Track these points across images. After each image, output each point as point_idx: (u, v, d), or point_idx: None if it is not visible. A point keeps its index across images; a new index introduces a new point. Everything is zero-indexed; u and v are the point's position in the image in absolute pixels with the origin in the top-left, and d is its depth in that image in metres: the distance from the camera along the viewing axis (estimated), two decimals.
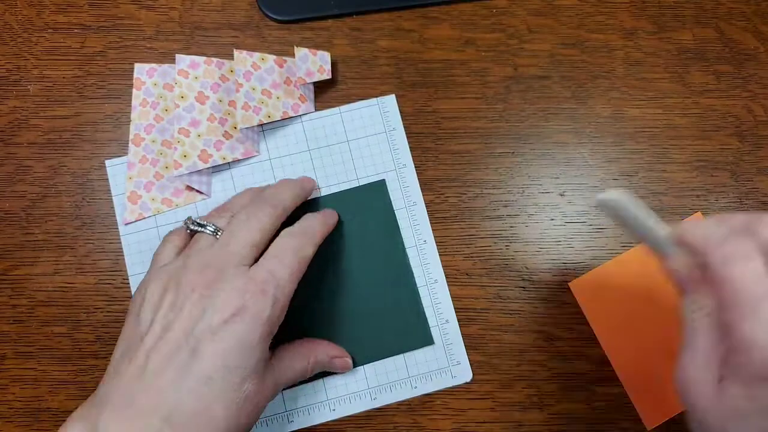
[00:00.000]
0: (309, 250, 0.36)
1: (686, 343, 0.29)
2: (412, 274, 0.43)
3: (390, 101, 0.46)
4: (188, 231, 0.37)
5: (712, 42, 0.48)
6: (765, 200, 0.45)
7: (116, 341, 0.41)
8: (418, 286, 0.43)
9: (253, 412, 0.33)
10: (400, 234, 0.44)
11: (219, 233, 0.36)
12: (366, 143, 0.45)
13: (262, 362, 0.33)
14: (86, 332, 0.42)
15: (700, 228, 0.29)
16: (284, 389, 0.41)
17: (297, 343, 0.39)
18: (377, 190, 0.44)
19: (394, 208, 0.44)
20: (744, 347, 0.26)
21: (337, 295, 0.42)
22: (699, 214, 0.45)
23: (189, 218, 0.38)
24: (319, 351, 0.39)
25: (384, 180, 0.44)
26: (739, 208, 0.45)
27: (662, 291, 0.43)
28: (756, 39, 0.48)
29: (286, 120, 0.45)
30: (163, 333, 0.32)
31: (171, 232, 0.39)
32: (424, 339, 0.42)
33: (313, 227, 0.38)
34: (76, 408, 0.32)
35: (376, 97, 0.46)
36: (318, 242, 0.38)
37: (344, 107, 0.45)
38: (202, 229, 0.36)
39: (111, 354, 0.41)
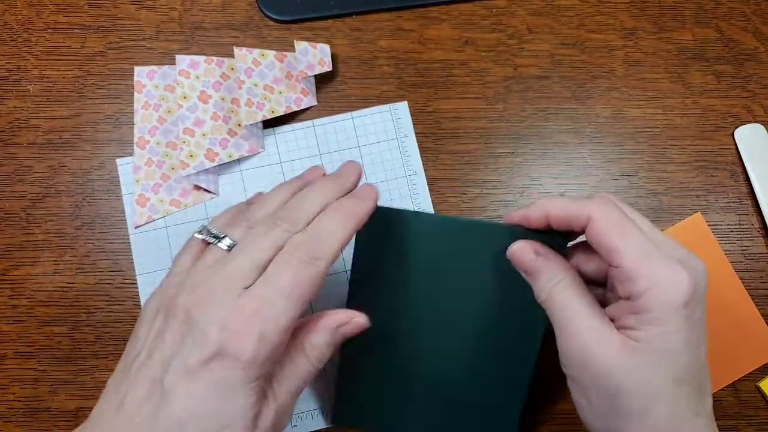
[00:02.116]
0: (320, 266, 0.29)
1: (566, 320, 0.29)
2: (531, 374, 0.36)
3: (402, 108, 0.46)
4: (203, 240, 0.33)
5: (712, 42, 0.48)
6: None
7: (116, 341, 0.42)
8: None
9: None
10: (542, 320, 0.34)
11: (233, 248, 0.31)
12: (377, 149, 0.45)
13: (249, 406, 0.28)
14: (86, 332, 0.42)
15: (555, 202, 0.31)
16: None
17: (289, 343, 0.31)
18: (553, 243, 0.33)
19: None
20: (638, 285, 0.28)
21: (434, 343, 0.37)
22: (699, 214, 0.45)
23: (204, 227, 0.33)
24: (315, 333, 0.31)
25: (566, 240, 0.34)
26: (739, 208, 0.45)
27: None
28: (756, 39, 0.48)
29: (297, 123, 0.45)
30: (146, 361, 0.29)
31: (194, 236, 0.34)
32: None
33: (332, 231, 0.30)
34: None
35: (376, 96, 0.46)
36: (335, 252, 0.30)
37: (356, 112, 0.45)
38: (215, 242, 0.31)
39: (111, 354, 0.41)
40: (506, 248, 0.33)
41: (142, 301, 0.42)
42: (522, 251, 0.32)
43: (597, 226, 0.29)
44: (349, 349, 0.37)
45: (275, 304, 0.28)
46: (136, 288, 0.42)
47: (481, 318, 0.36)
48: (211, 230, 0.32)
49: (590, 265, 0.33)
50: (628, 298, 0.28)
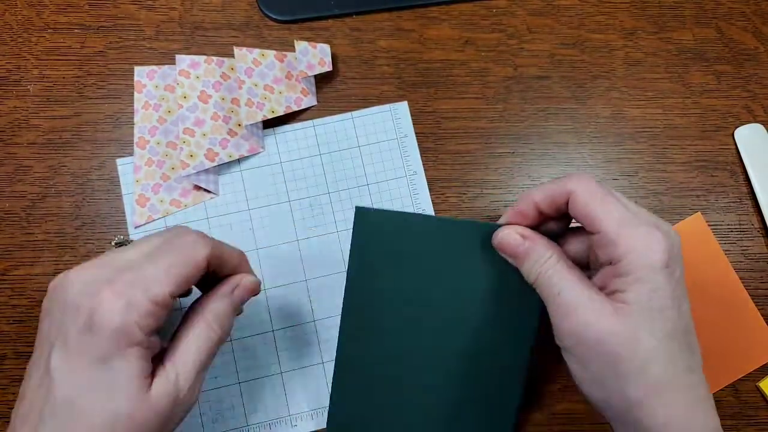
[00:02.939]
0: (199, 254, 0.30)
1: (557, 295, 0.30)
2: (524, 383, 0.37)
3: (402, 108, 0.46)
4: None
5: (712, 42, 0.48)
6: None
7: None
8: None
9: None
10: (537, 313, 0.35)
11: None
12: (377, 149, 0.45)
13: (133, 374, 0.28)
14: None
15: (537, 189, 0.33)
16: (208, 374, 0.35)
17: (186, 315, 0.32)
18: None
19: None
20: (620, 248, 0.29)
21: (432, 342, 0.37)
22: (699, 214, 0.45)
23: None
24: (212, 300, 0.32)
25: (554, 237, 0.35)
26: (739, 208, 0.45)
27: None
28: (756, 39, 0.48)
29: (297, 123, 0.45)
30: (38, 353, 0.29)
31: None
32: None
33: (195, 246, 0.31)
34: None
35: (376, 96, 0.46)
36: (204, 258, 0.30)
37: (356, 113, 0.45)
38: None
39: None
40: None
41: None
42: (508, 237, 0.33)
43: (578, 197, 0.31)
44: (342, 356, 0.37)
45: (148, 275, 0.29)
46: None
47: (475, 315, 0.37)
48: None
49: (573, 246, 0.34)
50: (610, 263, 0.30)
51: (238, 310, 0.33)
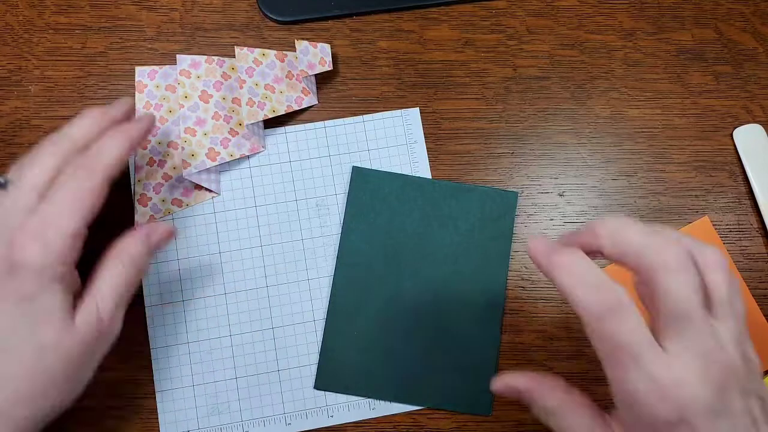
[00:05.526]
0: (97, 178, 0.33)
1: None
2: (500, 325, 0.42)
3: (414, 114, 0.46)
4: None
5: (711, 42, 0.48)
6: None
7: (117, 340, 0.42)
8: None
9: (62, 368, 0.31)
10: (507, 265, 0.43)
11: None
12: (386, 154, 0.45)
13: (57, 303, 0.31)
14: None
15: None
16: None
17: (106, 254, 0.35)
18: (504, 203, 0.44)
19: None
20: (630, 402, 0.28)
21: (415, 300, 0.42)
22: (706, 218, 0.45)
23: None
24: (128, 246, 0.35)
25: (516, 194, 0.44)
26: (737, 208, 0.45)
27: None
28: (755, 39, 0.48)
29: (309, 124, 0.45)
30: None
31: None
32: (482, 407, 0.41)
33: (108, 148, 0.34)
34: None
35: (376, 97, 0.46)
36: (112, 165, 0.34)
37: (367, 116, 0.46)
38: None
39: (111, 351, 0.41)
40: (485, 208, 0.43)
41: (145, 299, 0.42)
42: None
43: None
44: (334, 306, 0.42)
45: (57, 216, 0.32)
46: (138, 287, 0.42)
47: (455, 264, 0.42)
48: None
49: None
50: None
51: (152, 252, 0.36)
